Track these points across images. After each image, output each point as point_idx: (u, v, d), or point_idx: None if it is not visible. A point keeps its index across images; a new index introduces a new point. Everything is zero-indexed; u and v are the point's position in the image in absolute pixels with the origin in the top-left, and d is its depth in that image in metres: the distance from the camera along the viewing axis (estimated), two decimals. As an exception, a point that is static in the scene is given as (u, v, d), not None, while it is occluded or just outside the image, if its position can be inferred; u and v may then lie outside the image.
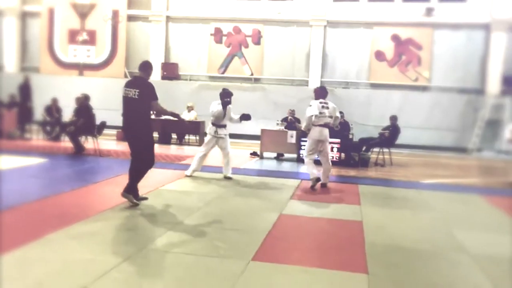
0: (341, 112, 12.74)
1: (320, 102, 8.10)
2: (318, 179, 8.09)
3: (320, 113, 8.03)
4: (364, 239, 5.29)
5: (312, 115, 8.00)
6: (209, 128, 8.65)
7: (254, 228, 5.55)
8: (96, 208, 5.99)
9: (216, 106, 8.48)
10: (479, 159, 14.97)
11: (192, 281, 3.87)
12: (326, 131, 8.16)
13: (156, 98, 6.09)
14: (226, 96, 8.43)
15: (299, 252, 4.85)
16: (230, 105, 8.52)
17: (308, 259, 4.63)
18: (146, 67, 6.27)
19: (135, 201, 6.19)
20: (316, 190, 8.01)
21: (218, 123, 8.51)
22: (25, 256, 4.18)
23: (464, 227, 6.09)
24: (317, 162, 8.47)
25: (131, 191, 6.22)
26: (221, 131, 8.52)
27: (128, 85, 6.17)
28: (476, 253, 5.01)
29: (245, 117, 8.57)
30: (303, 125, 8.52)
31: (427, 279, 4.23)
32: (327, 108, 8.13)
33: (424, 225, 6.15)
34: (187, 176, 8.49)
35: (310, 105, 8.16)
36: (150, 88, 6.07)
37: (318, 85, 17.28)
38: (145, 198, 6.47)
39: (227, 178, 8.54)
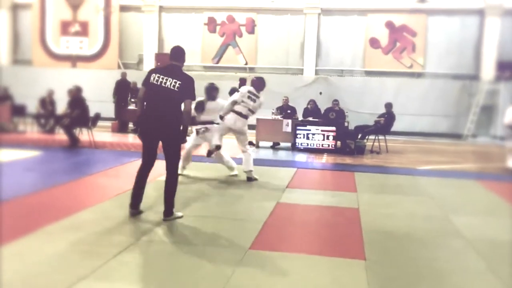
0: (336, 100, 12.89)
1: (249, 92, 7.53)
2: (218, 147, 7.46)
3: (243, 101, 7.44)
4: (361, 226, 5.31)
5: (235, 100, 7.44)
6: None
7: (251, 217, 5.55)
8: (92, 199, 5.96)
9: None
10: (474, 144, 15.03)
11: (191, 270, 3.87)
12: (240, 122, 7.46)
13: (194, 97, 5.27)
14: (214, 91, 7.82)
15: (296, 240, 4.86)
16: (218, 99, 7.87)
17: (306, 246, 4.63)
18: (180, 53, 5.33)
19: (179, 214, 5.36)
20: (212, 156, 7.63)
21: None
22: (23, 248, 4.16)
23: (460, 212, 6.12)
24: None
25: (172, 209, 5.28)
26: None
27: (164, 72, 5.18)
28: (472, 238, 5.04)
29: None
30: (222, 111, 7.56)
31: (424, 264, 4.25)
32: (253, 101, 7.50)
33: (420, 211, 6.17)
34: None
35: (238, 90, 7.75)
36: (192, 84, 5.19)
37: (313, 73, 17.34)
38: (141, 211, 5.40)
39: (233, 175, 7.90)
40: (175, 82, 5.07)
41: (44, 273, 3.67)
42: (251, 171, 7.63)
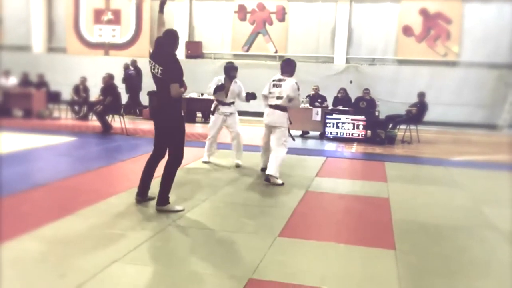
0: (367, 89, 12.72)
1: (274, 80, 6.82)
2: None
3: (270, 92, 6.79)
4: (391, 215, 5.26)
5: (264, 94, 6.92)
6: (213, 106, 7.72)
7: (280, 205, 5.57)
8: (124, 185, 6.08)
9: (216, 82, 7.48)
10: (510, 135, 14.59)
11: (220, 256, 3.91)
12: (274, 115, 6.74)
13: (175, 80, 4.80)
14: (232, 71, 7.53)
15: (325, 228, 4.85)
16: (236, 80, 7.60)
17: (335, 235, 4.62)
18: (170, 36, 5.00)
19: (178, 208, 5.06)
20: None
21: (221, 101, 7.58)
22: (58, 231, 4.29)
23: (494, 204, 5.98)
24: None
25: (167, 200, 5.02)
26: (225, 109, 7.58)
27: (153, 57, 4.95)
28: (505, 230, 4.93)
29: (251, 96, 7.60)
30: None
31: (455, 254, 4.18)
32: (279, 86, 6.68)
33: (452, 202, 6.07)
34: (204, 162, 7.80)
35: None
36: (173, 66, 4.84)
37: (344, 62, 17.12)
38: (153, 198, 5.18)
39: (237, 166, 7.57)
40: (158, 68, 4.85)
41: (78, 255, 3.78)
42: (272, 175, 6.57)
